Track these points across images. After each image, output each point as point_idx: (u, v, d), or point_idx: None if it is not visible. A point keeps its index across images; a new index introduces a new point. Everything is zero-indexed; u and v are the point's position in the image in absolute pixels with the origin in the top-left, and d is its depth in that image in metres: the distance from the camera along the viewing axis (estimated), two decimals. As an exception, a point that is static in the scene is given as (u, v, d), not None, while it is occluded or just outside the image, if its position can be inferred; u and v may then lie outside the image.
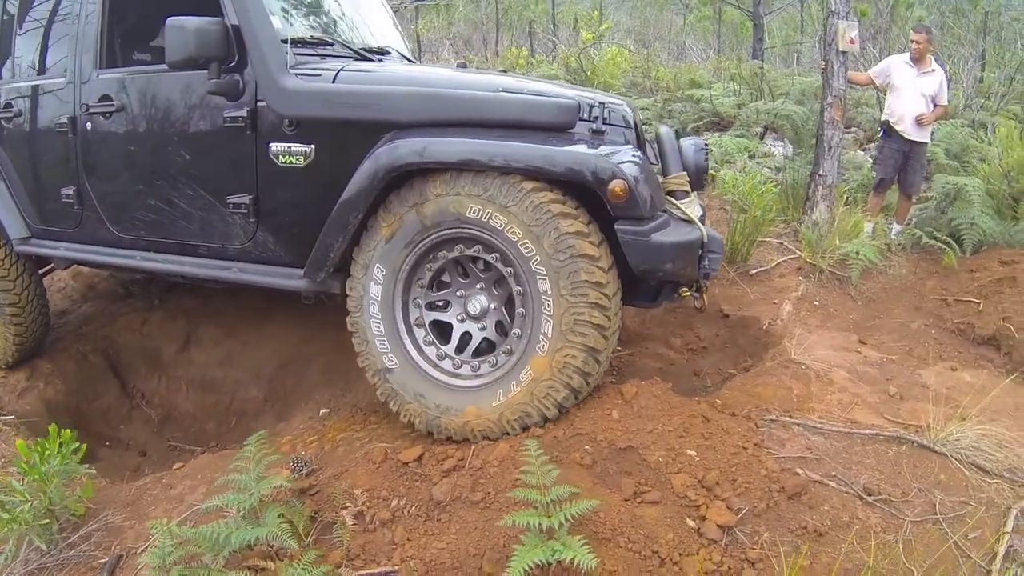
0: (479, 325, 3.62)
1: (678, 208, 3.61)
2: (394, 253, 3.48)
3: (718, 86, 11.66)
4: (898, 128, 7.18)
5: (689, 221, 3.57)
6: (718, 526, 2.80)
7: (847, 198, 7.66)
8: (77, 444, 3.50)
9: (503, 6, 21.82)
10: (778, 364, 4.43)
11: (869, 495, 3.12)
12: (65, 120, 4.51)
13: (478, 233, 3.32)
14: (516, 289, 3.36)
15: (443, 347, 3.62)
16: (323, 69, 3.76)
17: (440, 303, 3.68)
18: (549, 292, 3.18)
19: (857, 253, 6.26)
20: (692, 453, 3.13)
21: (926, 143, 7.40)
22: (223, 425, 5.67)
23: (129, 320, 6.29)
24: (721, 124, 10.32)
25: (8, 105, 4.89)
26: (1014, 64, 13.80)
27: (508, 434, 3.30)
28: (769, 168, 8.57)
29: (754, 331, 5.32)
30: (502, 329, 3.60)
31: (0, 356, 5.41)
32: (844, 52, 6.94)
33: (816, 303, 5.88)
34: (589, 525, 2.73)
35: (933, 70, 7.25)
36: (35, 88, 4.75)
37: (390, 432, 3.80)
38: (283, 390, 5.52)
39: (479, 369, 3.52)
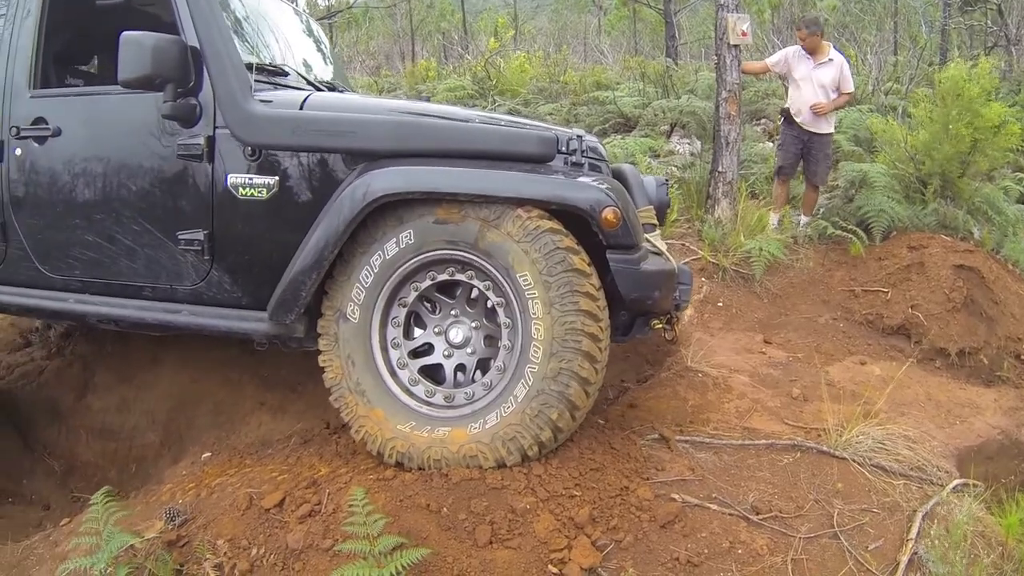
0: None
1: (648, 241, 3.54)
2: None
3: (624, 86, 11.55)
4: (797, 119, 7.10)
5: (659, 253, 3.52)
6: (582, 568, 2.61)
7: (753, 191, 7.58)
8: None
9: (419, 18, 21.72)
10: (673, 374, 4.31)
11: (757, 514, 2.98)
12: None
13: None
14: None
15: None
16: (286, 96, 3.58)
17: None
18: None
19: (760, 250, 6.16)
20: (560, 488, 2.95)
21: (829, 133, 7.26)
22: (124, 472, 5.39)
23: (27, 371, 5.98)
24: (628, 125, 10.21)
25: None
26: (922, 46, 14.02)
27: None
28: (675, 167, 8.45)
29: (656, 338, 5.17)
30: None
31: None
32: (736, 46, 6.86)
33: (720, 304, 5.78)
34: (435, 573, 2.57)
35: (830, 59, 7.15)
36: None
37: (260, 476, 3.57)
38: (178, 433, 5.26)
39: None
